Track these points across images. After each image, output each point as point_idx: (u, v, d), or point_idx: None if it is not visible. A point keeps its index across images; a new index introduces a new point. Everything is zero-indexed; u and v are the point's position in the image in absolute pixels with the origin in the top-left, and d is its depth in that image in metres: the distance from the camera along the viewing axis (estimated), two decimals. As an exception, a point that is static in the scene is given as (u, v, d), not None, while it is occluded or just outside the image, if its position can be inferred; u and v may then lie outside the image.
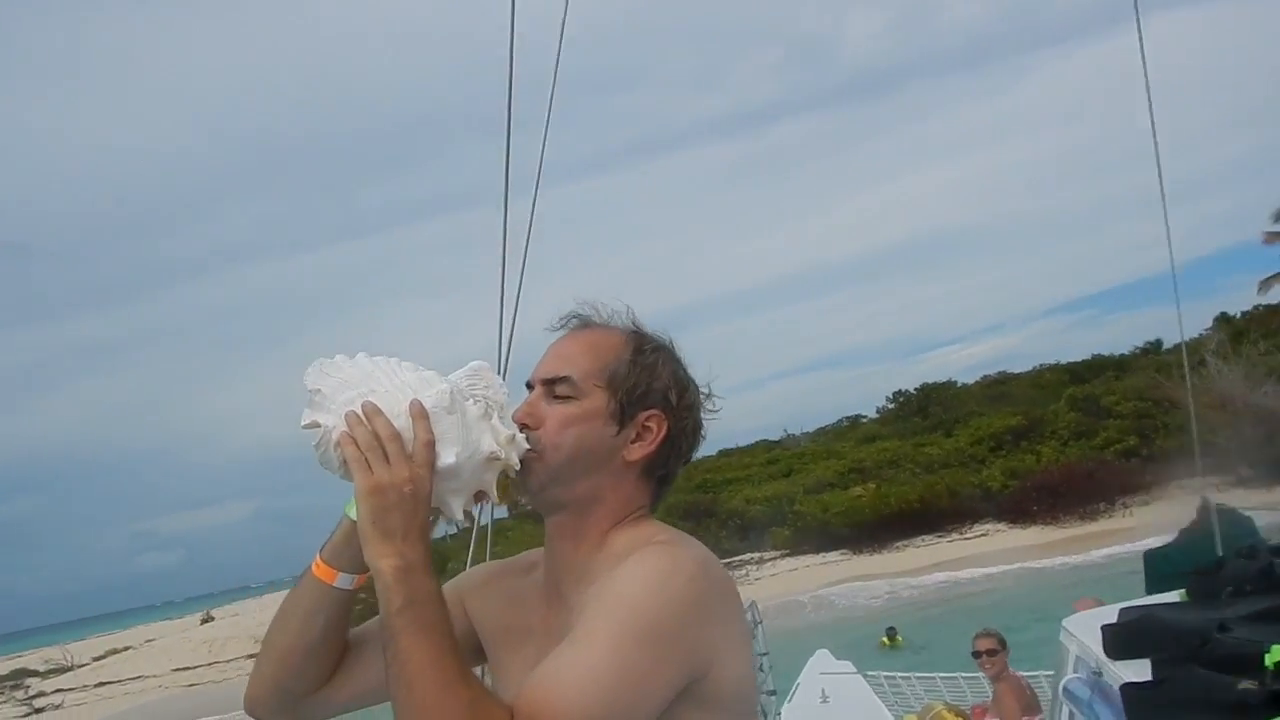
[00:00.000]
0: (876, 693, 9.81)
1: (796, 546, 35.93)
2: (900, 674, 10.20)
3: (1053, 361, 45.77)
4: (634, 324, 1.43)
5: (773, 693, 5.90)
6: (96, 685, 40.77)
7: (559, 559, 1.39)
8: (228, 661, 39.27)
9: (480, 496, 1.31)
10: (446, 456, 1.22)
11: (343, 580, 1.35)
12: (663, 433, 1.37)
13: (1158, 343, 39.59)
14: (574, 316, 1.44)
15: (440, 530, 1.38)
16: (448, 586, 1.49)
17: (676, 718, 1.18)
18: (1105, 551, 27.28)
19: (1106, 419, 35.26)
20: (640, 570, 1.19)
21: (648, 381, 1.36)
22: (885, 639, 22.19)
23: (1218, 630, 1.81)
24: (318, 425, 1.23)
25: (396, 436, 1.20)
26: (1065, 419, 36.35)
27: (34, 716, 37.58)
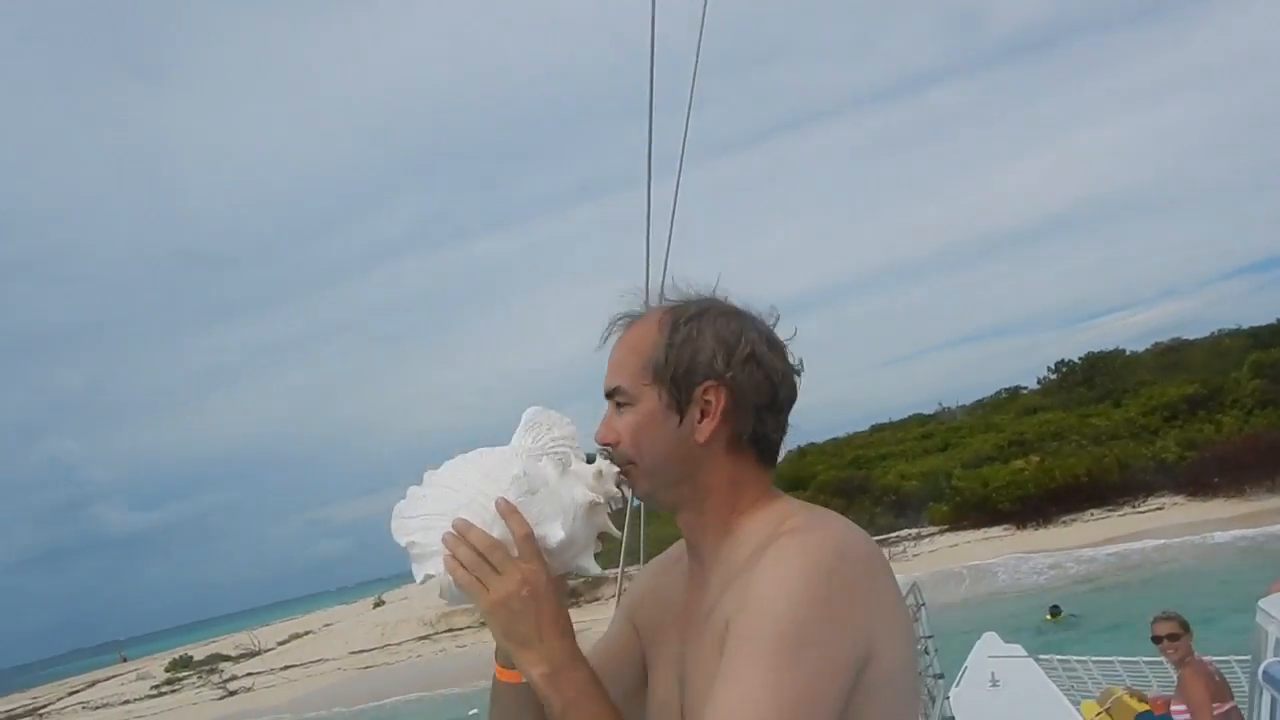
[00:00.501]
0: (1050, 677, 9.43)
1: (956, 522, 34.96)
2: (1076, 658, 9.74)
3: (1233, 326, 43.04)
4: (669, 299, 1.36)
5: (940, 676, 5.67)
6: (282, 669, 43.20)
7: (692, 551, 1.37)
8: (399, 644, 41.01)
9: (603, 538, 1.29)
10: (554, 534, 1.21)
11: None
12: (722, 400, 1.28)
13: (1353, 301, 36.75)
14: (620, 318, 1.37)
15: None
16: (618, 613, 1.50)
17: (843, 712, 1.12)
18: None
19: (1296, 386, 32.93)
20: (775, 576, 1.13)
21: (689, 357, 1.28)
22: (1049, 616, 21.41)
23: None
24: (432, 575, 1.22)
25: (496, 544, 1.19)
26: (1248, 387, 34.07)
27: (228, 699, 40.06)
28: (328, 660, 42.46)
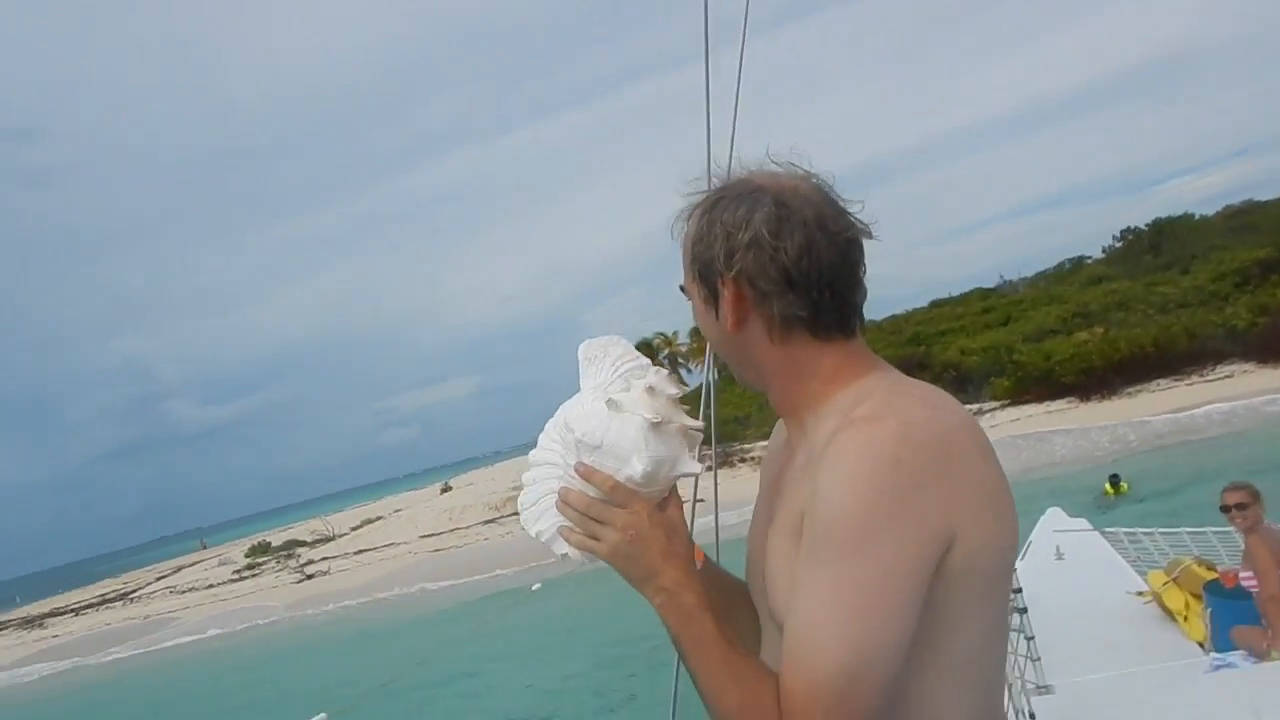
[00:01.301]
0: (1116, 549, 9.39)
1: (1018, 397, 34.66)
2: (1142, 530, 9.66)
3: (1308, 183, 41.30)
4: (698, 191, 1.34)
5: None
6: (356, 553, 44.82)
7: (785, 420, 1.40)
8: (467, 528, 42.22)
9: (690, 433, 1.31)
10: (636, 470, 1.27)
11: None
12: (731, 292, 1.27)
13: None
14: (682, 212, 1.36)
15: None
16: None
17: (934, 601, 1.14)
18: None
19: (1375, 243, 31.78)
20: (838, 474, 1.12)
21: (707, 253, 1.29)
22: (1109, 487, 21.12)
23: None
24: (564, 552, 1.33)
25: (593, 501, 1.28)
26: (1323, 246, 32.97)
27: (306, 582, 41.78)
28: (399, 544, 43.92)
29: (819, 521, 1.13)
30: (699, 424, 1.32)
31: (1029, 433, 30.17)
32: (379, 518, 55.99)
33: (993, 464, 1.20)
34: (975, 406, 35.40)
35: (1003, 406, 34.81)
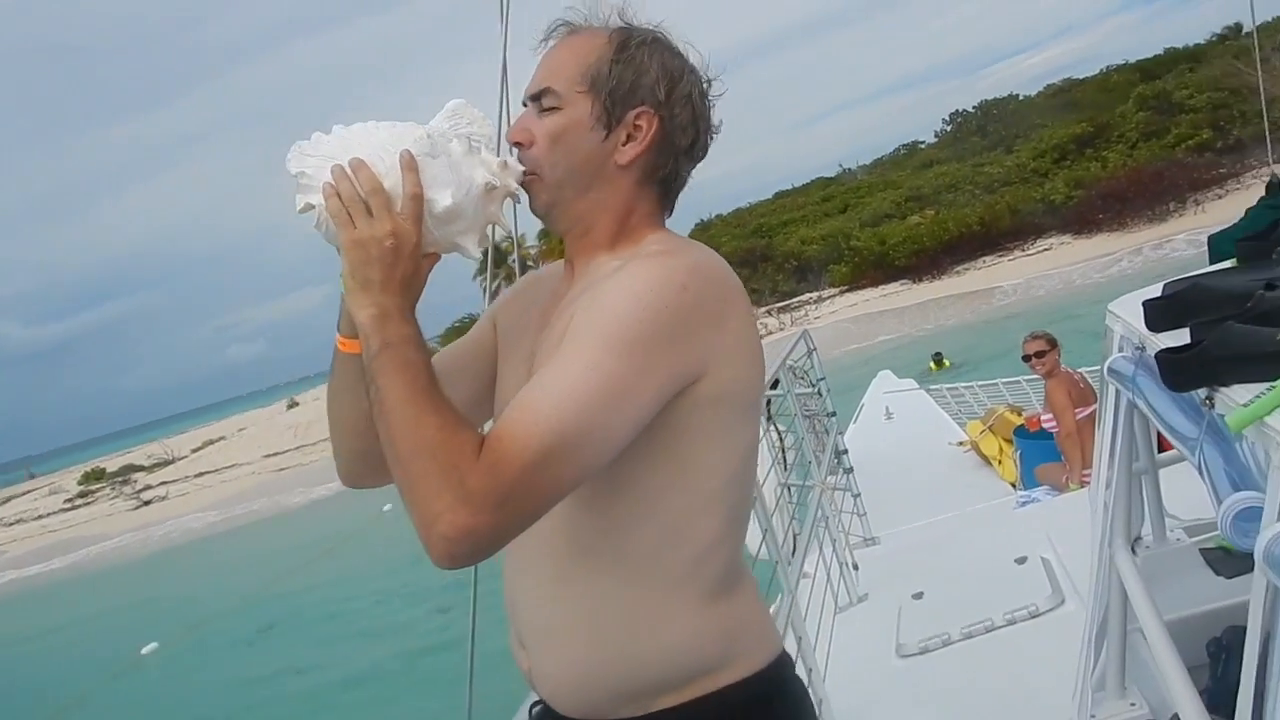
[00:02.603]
0: (940, 404, 9.70)
1: (855, 282, 35.74)
2: (964, 384, 10.04)
3: (1122, 61, 43.18)
4: (622, 21, 1.34)
5: (832, 414, 5.76)
6: (196, 476, 43.27)
7: (570, 265, 1.40)
8: (313, 444, 41.13)
9: (491, 229, 1.32)
10: (442, 200, 1.23)
11: None
12: (653, 130, 1.30)
13: (1237, 27, 36.31)
14: (561, 24, 1.35)
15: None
16: (484, 315, 1.54)
17: (675, 417, 1.20)
18: (1161, 253, 26.79)
19: (1178, 115, 33.65)
20: (627, 282, 1.18)
21: (633, 78, 1.29)
22: (933, 364, 21.80)
23: (1264, 289, 1.53)
24: (311, 207, 1.22)
25: (381, 190, 1.20)
26: (1133, 120, 34.79)
27: (143, 509, 40.14)
28: (242, 465, 42.61)
29: (595, 312, 1.15)
30: (509, 229, 1.36)
31: (860, 315, 31.11)
32: (221, 438, 54.17)
33: (754, 321, 1.30)
34: (815, 294, 36.28)
35: (841, 292, 35.79)
